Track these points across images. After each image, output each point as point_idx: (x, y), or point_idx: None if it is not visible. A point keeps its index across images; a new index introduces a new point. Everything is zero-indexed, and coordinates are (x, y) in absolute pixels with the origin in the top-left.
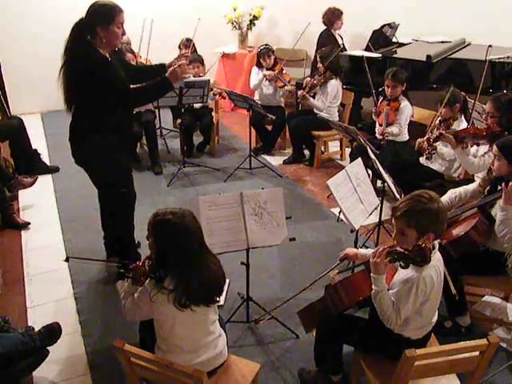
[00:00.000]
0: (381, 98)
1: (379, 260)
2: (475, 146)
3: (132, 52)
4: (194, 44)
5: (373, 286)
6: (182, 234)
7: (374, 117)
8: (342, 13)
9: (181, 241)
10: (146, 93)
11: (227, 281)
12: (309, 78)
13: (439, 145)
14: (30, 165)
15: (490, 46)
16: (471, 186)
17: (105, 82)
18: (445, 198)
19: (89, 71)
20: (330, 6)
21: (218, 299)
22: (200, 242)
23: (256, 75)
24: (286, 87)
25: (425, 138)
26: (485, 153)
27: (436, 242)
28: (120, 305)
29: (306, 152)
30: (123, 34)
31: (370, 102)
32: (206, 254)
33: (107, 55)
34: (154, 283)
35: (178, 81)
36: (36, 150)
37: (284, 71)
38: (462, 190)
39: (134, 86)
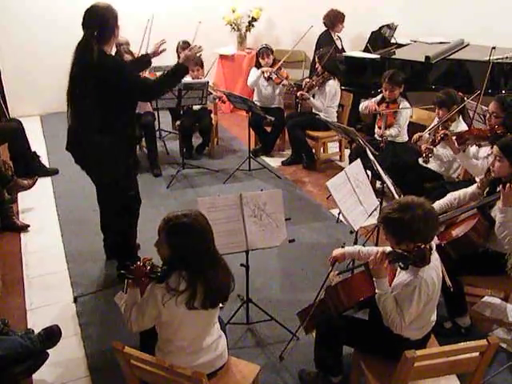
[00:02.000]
0: (378, 97)
1: (377, 266)
2: (475, 147)
3: (130, 53)
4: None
5: (376, 290)
6: (198, 234)
7: (361, 109)
8: (344, 16)
9: (198, 242)
10: (165, 82)
11: None
12: (308, 79)
13: (436, 146)
14: (29, 167)
15: (493, 47)
16: (470, 189)
17: (132, 82)
18: (444, 201)
19: (115, 72)
20: (328, 7)
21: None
22: (213, 242)
23: (255, 72)
24: (283, 82)
25: (424, 134)
26: (488, 155)
27: (433, 243)
28: (118, 307)
29: None
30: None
31: None
32: (218, 254)
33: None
34: (163, 287)
35: (194, 60)
36: (35, 153)
37: (282, 69)
38: (461, 192)
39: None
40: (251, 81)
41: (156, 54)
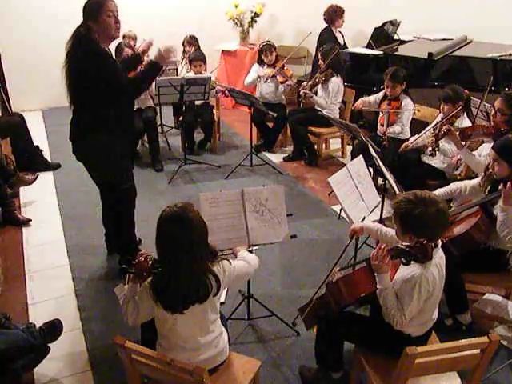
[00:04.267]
0: (380, 94)
1: (379, 262)
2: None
3: (131, 47)
4: (197, 41)
5: (377, 285)
6: (162, 231)
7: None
8: (343, 11)
9: (163, 238)
10: (140, 81)
11: None
12: (310, 82)
13: (442, 141)
14: (32, 162)
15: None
16: (473, 182)
17: (107, 77)
18: (445, 189)
19: (93, 67)
20: (330, 2)
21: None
22: (191, 243)
23: (254, 72)
24: (287, 82)
25: (426, 133)
26: None
27: (439, 240)
28: (118, 298)
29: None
30: (116, 21)
31: None
32: (198, 259)
33: (108, 49)
34: (150, 283)
35: (167, 62)
36: (38, 147)
37: (285, 67)
38: (463, 183)
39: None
40: (248, 82)
41: (145, 52)
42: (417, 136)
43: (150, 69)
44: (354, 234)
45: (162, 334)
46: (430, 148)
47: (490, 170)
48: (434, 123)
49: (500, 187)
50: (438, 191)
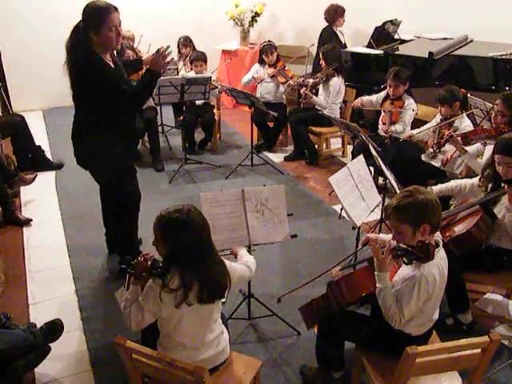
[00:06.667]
0: (382, 93)
1: (382, 258)
2: (476, 145)
3: (132, 49)
4: (192, 41)
5: (377, 284)
6: (191, 230)
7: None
8: (344, 10)
9: (192, 237)
10: (138, 93)
11: None
12: (311, 80)
13: None
14: (33, 161)
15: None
16: (472, 181)
17: (104, 86)
18: (445, 185)
19: (87, 75)
20: (331, 2)
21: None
22: (209, 237)
23: (251, 73)
24: (289, 82)
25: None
26: None
27: (440, 240)
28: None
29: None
30: (118, 34)
31: None
32: (214, 250)
33: (107, 57)
34: (160, 283)
35: (164, 67)
36: (40, 147)
37: (286, 68)
38: (463, 182)
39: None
40: (244, 81)
41: (147, 63)
42: (420, 129)
43: (147, 78)
44: (367, 243)
45: (164, 333)
46: (431, 150)
47: (488, 171)
48: (433, 123)
49: (506, 188)
50: (439, 187)
